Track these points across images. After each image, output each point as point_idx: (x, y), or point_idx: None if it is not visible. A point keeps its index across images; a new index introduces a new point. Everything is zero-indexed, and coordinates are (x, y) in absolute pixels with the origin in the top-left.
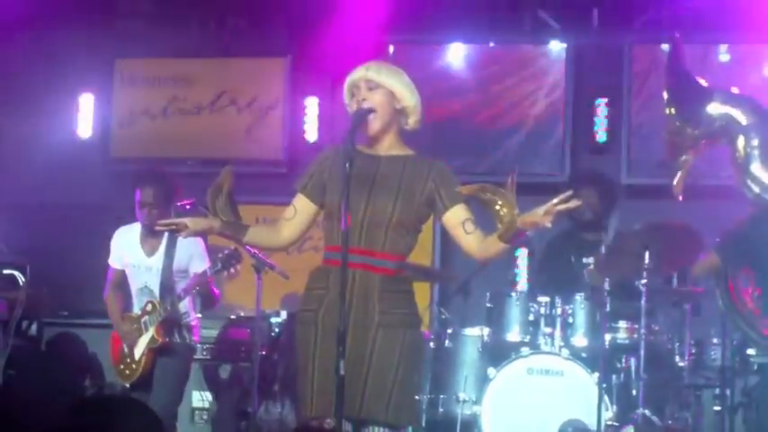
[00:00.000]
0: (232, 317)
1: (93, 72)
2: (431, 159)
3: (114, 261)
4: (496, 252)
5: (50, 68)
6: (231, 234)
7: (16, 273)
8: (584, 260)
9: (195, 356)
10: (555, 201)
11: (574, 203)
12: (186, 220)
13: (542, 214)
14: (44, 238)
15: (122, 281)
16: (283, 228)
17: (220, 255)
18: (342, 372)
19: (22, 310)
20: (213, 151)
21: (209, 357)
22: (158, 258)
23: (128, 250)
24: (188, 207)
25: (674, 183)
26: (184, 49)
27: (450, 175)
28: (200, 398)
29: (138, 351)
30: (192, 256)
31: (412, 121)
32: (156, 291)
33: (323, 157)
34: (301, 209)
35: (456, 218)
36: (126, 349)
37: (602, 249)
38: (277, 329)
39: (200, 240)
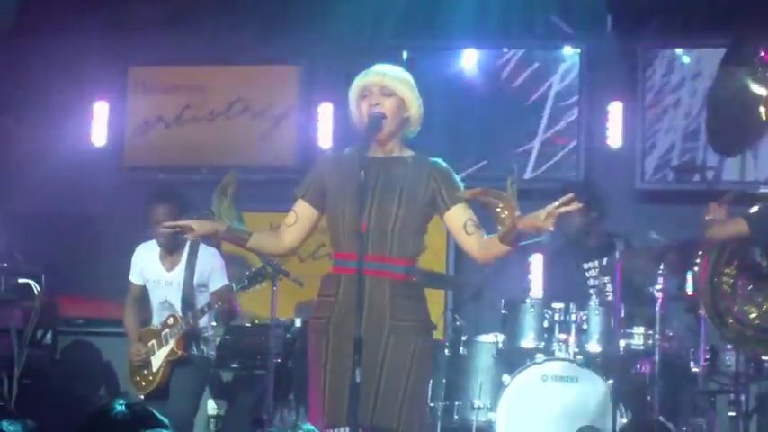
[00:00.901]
0: (247, 324)
1: (107, 80)
2: (431, 159)
3: (135, 277)
4: (497, 254)
5: (64, 76)
6: (235, 238)
7: (31, 282)
8: (585, 265)
9: (212, 364)
10: (556, 204)
11: (575, 206)
12: (192, 223)
13: (544, 218)
14: (59, 246)
15: (142, 297)
16: (285, 233)
17: (248, 272)
18: (357, 379)
19: (37, 319)
20: (227, 158)
21: (224, 365)
22: (179, 273)
23: (148, 266)
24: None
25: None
26: (198, 57)
27: (452, 175)
28: (215, 406)
29: (157, 363)
30: (213, 270)
31: (411, 130)
32: (177, 305)
33: (322, 164)
34: (302, 214)
35: (457, 218)
36: (143, 361)
37: (604, 261)
38: (292, 337)
39: (219, 255)
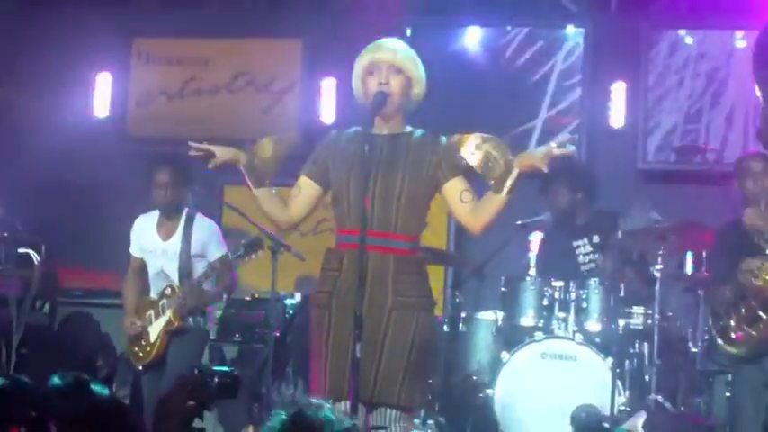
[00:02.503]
0: (246, 298)
1: (110, 51)
2: (433, 134)
3: (134, 249)
4: (491, 210)
5: (68, 47)
6: (249, 176)
7: (31, 251)
8: (574, 243)
9: (211, 337)
10: (553, 144)
11: (570, 151)
12: (214, 148)
13: (541, 157)
14: (59, 216)
15: (142, 269)
16: (290, 204)
17: (243, 241)
18: (358, 355)
19: (36, 289)
20: (229, 132)
21: (223, 338)
22: (175, 242)
23: (145, 236)
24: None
25: None
26: (202, 30)
27: (452, 148)
28: None
29: (155, 333)
30: (209, 240)
31: (411, 107)
32: (174, 275)
33: (327, 142)
34: (305, 188)
35: (454, 188)
36: (138, 332)
37: (595, 238)
38: (291, 311)
39: (216, 226)
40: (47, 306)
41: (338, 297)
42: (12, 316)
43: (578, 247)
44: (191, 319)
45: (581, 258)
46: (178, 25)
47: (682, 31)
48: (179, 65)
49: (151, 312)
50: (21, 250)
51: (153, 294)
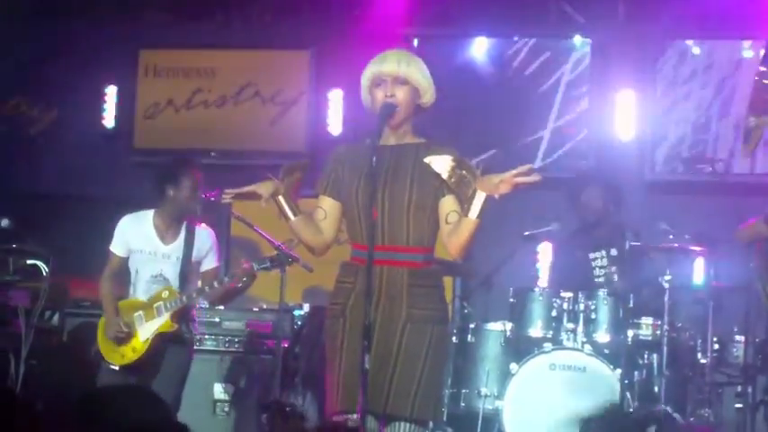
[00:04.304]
0: (255, 309)
1: (117, 63)
2: (441, 146)
3: (118, 248)
4: (465, 233)
5: (75, 59)
6: (286, 206)
7: (39, 263)
8: (591, 255)
9: (220, 348)
10: (514, 172)
11: (533, 179)
12: (255, 188)
13: (497, 182)
14: (68, 228)
15: (122, 268)
16: (321, 228)
17: (268, 254)
18: (367, 366)
19: (44, 301)
20: (236, 143)
21: (231, 349)
22: (177, 247)
23: (139, 237)
24: (213, 198)
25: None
26: (209, 41)
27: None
28: (222, 390)
29: (146, 334)
30: (209, 250)
31: (422, 114)
32: (173, 279)
33: (336, 156)
34: (329, 208)
35: (445, 207)
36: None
37: (613, 251)
38: (300, 322)
39: (215, 236)
40: (56, 317)
41: (353, 308)
42: (21, 327)
43: (595, 259)
44: (184, 326)
45: (597, 272)
46: (185, 37)
47: (689, 42)
48: (186, 76)
49: (141, 313)
50: (29, 261)
51: (141, 296)
